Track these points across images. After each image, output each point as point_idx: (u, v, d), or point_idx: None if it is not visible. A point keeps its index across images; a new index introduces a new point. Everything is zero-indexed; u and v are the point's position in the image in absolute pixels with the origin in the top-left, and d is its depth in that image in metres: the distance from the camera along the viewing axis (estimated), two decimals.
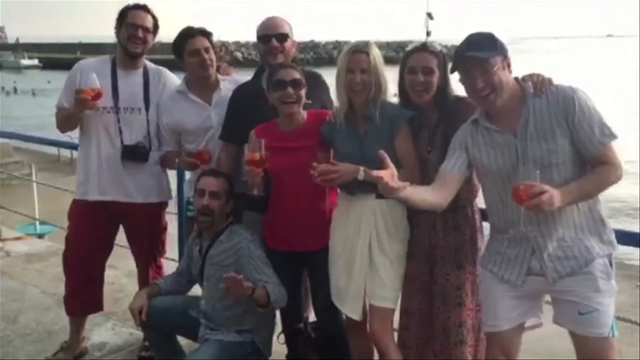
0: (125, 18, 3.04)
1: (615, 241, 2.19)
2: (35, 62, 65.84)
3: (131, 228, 3.23)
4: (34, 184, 6.50)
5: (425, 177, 2.42)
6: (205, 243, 2.81)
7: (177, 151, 3.10)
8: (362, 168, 2.23)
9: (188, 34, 2.97)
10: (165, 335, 2.89)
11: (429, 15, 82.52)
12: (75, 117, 3.02)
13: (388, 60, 2.65)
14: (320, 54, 60.97)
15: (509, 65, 2.15)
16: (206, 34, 3.00)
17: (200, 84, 3.04)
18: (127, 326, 3.62)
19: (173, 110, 3.05)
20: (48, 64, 63.64)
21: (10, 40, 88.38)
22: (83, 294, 3.21)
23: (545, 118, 2.09)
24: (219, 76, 3.07)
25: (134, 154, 3.03)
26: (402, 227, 2.54)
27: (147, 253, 3.29)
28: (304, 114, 2.68)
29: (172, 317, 2.83)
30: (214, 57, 2.98)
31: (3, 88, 11.99)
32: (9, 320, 3.74)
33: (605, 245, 2.16)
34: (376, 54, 2.47)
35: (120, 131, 3.03)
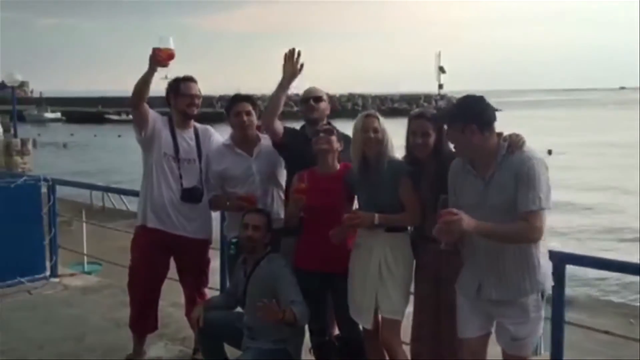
0: (179, 89, 3.79)
1: (547, 282, 2.74)
2: (59, 115, 67.83)
3: (182, 260, 3.92)
4: (84, 227, 7.28)
5: (425, 214, 3.12)
6: (249, 268, 3.51)
7: (224, 195, 3.82)
8: (376, 215, 3.04)
9: (235, 99, 3.75)
10: (215, 343, 3.56)
11: (441, 69, 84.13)
12: (150, 77, 3.51)
13: (402, 112, 3.40)
14: (335, 106, 62.54)
15: (479, 128, 2.64)
16: (250, 100, 3.76)
17: (243, 139, 3.75)
18: (176, 344, 4.28)
19: (220, 160, 3.76)
20: (71, 118, 65.72)
21: (34, 94, 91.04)
22: (145, 316, 3.92)
23: (506, 174, 2.62)
24: (259, 134, 3.82)
25: (191, 196, 3.76)
26: (407, 254, 3.22)
27: (194, 282, 3.96)
28: (337, 163, 3.42)
29: (222, 328, 3.50)
30: (254, 119, 3.72)
31: (34, 140, 12.82)
32: (78, 340, 4.42)
33: (535, 285, 2.70)
34: (382, 120, 3.22)
35: (181, 176, 3.77)
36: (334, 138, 3.37)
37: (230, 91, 4.05)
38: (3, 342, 4.34)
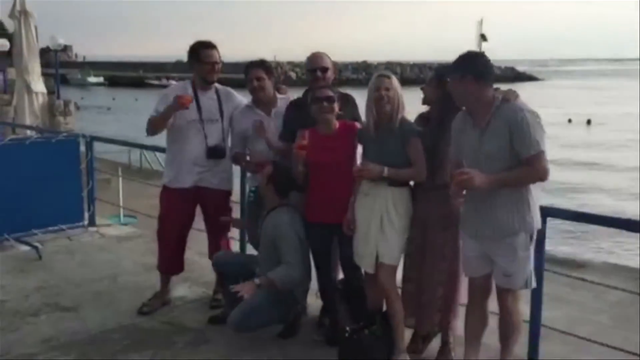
0: (199, 55, 4.08)
1: (534, 223, 3.02)
2: (101, 79, 69.20)
3: (208, 208, 4.30)
4: (120, 182, 7.77)
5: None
6: (264, 217, 3.86)
7: (244, 153, 4.17)
8: (385, 168, 3.32)
9: (249, 65, 4.05)
10: (232, 281, 3.93)
11: (483, 37, 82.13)
12: (169, 116, 3.98)
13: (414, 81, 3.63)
14: (372, 73, 61.91)
15: (475, 79, 2.94)
16: (262, 66, 4.04)
17: (260, 101, 4.07)
18: (199, 287, 4.68)
19: (242, 120, 4.11)
20: (113, 82, 67.03)
21: (78, 59, 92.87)
22: (172, 258, 4.33)
23: (500, 123, 2.94)
24: (277, 94, 4.13)
25: (215, 153, 4.13)
26: (407, 207, 3.48)
27: (218, 229, 4.35)
28: (336, 122, 3.70)
29: (239, 269, 3.90)
30: (265, 83, 4.00)
31: (76, 104, 13.38)
32: (111, 280, 4.87)
33: (523, 225, 2.99)
34: (395, 80, 3.45)
35: (205, 136, 4.13)
36: (335, 105, 3.63)
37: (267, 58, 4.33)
38: (45, 280, 4.82)
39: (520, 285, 3.09)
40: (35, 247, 5.41)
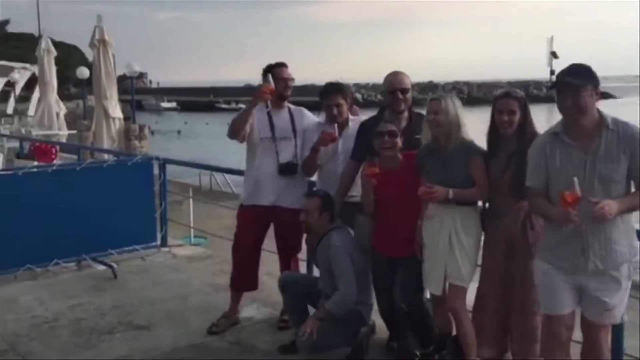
0: (273, 73, 4.14)
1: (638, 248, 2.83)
2: (174, 104, 71.73)
3: (280, 227, 4.34)
4: (191, 203, 7.98)
5: (497, 191, 3.30)
6: (315, 243, 3.91)
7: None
8: (450, 190, 3.26)
9: (328, 92, 4.08)
10: (298, 303, 3.94)
11: (554, 55, 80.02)
12: (250, 112, 4.07)
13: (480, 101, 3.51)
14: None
15: (597, 95, 2.75)
16: (339, 91, 4.08)
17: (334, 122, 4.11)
18: (267, 307, 4.70)
19: (314, 136, 4.11)
20: (185, 107, 69.28)
21: (152, 85, 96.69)
22: (245, 275, 4.39)
23: (614, 145, 2.73)
24: (350, 116, 4.15)
25: (287, 170, 4.18)
26: (475, 226, 3.40)
27: (290, 248, 4.37)
28: (399, 156, 3.64)
29: (305, 287, 3.95)
30: (343, 109, 4.04)
31: (150, 128, 14.00)
32: (182, 299, 4.96)
33: (632, 251, 2.81)
34: (449, 102, 3.37)
35: (277, 154, 4.18)
36: (398, 140, 3.59)
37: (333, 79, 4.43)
38: (119, 299, 4.97)
39: (618, 319, 2.89)
40: (111, 267, 5.60)
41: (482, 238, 3.45)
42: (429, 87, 70.13)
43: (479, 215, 3.41)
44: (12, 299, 4.94)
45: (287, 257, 4.43)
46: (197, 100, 72.52)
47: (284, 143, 4.23)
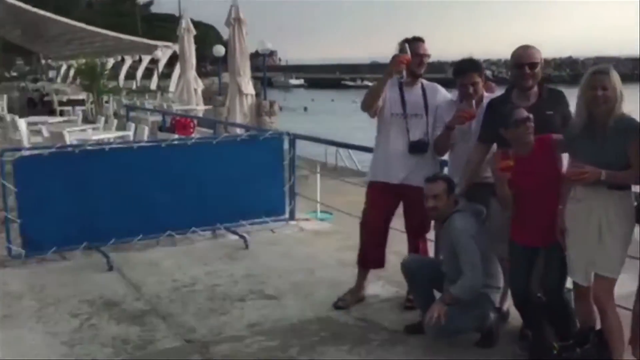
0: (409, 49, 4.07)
1: None
2: (301, 81, 73.35)
3: (410, 205, 4.27)
4: (318, 179, 8.12)
5: None
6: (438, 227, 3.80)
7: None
8: (603, 171, 2.97)
9: (463, 69, 3.90)
10: (423, 285, 3.87)
11: None
12: (384, 82, 4.02)
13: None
14: (578, 70, 57.57)
15: None
16: (476, 69, 3.91)
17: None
18: (392, 286, 4.66)
19: (447, 114, 4.00)
20: (312, 84, 70.60)
21: (281, 63, 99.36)
22: (373, 253, 4.37)
23: None
24: (485, 93, 3.96)
25: (417, 148, 4.09)
26: (629, 213, 3.10)
27: (418, 227, 4.29)
28: (532, 140, 3.41)
29: (428, 269, 3.88)
30: (479, 87, 3.87)
31: (278, 105, 14.40)
32: (309, 272, 5.06)
33: None
34: (615, 75, 3.08)
35: (407, 131, 4.11)
36: (532, 125, 3.36)
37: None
38: (251, 268, 5.17)
39: None
40: (243, 237, 5.83)
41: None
42: (568, 63, 65.94)
43: (633, 199, 3.11)
44: (155, 262, 5.31)
45: (415, 236, 4.36)
46: (324, 78, 73.50)
47: (415, 120, 4.14)
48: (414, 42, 4.08)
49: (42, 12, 19.61)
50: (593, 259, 3.14)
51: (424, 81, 4.25)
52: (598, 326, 3.27)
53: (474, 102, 3.85)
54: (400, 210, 4.40)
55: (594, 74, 3.10)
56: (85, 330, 3.97)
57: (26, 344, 3.79)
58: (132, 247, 5.57)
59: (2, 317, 4.17)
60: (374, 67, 67.68)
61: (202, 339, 3.85)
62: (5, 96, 17.56)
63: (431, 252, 4.66)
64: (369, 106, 4.15)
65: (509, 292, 3.88)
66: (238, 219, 6.09)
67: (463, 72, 3.90)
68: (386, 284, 4.71)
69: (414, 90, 4.18)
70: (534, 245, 3.47)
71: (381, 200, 4.27)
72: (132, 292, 4.64)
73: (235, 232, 5.98)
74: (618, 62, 64.12)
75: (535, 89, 3.64)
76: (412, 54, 4.00)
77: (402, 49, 3.90)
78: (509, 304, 3.99)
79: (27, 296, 4.54)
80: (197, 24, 16.27)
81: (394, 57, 3.91)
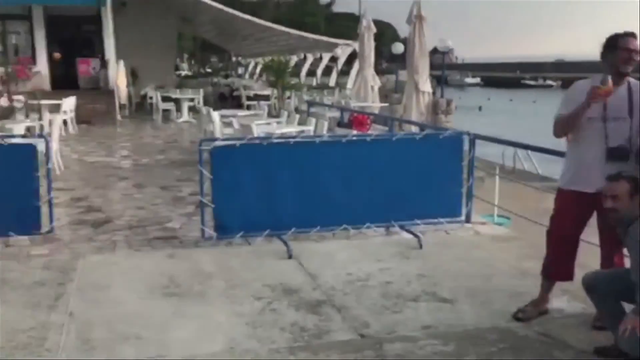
0: (617, 42, 3.76)
1: None
2: (478, 80, 71.21)
3: (603, 215, 3.88)
4: (497, 181, 7.80)
5: None
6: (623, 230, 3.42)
7: None
8: None
9: (623, 34, 3.67)
10: (610, 301, 3.51)
11: None
12: (582, 113, 3.78)
13: None
14: None
15: None
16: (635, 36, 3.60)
17: None
18: (579, 302, 4.29)
19: None
20: (488, 82, 68.19)
21: (457, 61, 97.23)
22: (560, 264, 4.09)
23: None
24: None
25: (617, 155, 3.75)
26: None
27: (614, 241, 3.89)
28: None
29: (609, 283, 3.53)
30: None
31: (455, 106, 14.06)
32: (486, 279, 4.85)
33: None
34: None
35: (606, 136, 3.77)
36: None
37: None
38: (423, 268, 5.09)
39: None
40: (417, 236, 5.77)
41: None
42: None
43: None
44: (330, 254, 5.46)
45: (610, 250, 3.99)
46: (501, 76, 70.61)
47: (615, 124, 3.79)
48: (624, 37, 3.75)
49: (238, 13, 21.17)
50: None
51: (632, 80, 3.86)
52: None
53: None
54: (592, 221, 4.05)
55: None
56: (267, 313, 4.20)
57: (214, 321, 4.10)
58: (309, 237, 5.78)
59: (196, 294, 4.56)
60: (559, 66, 63.50)
61: (376, 335, 3.87)
62: (201, 90, 19.21)
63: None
64: (562, 135, 3.98)
65: None
66: (412, 218, 6.03)
67: (622, 36, 3.67)
68: (572, 300, 4.37)
69: (618, 90, 3.81)
70: None
71: (573, 208, 3.97)
72: (310, 281, 4.81)
73: (409, 231, 5.94)
74: None
75: None
76: (619, 49, 3.71)
77: (603, 81, 3.64)
78: None
79: (216, 276, 4.91)
80: (375, 22, 16.44)
81: (593, 89, 3.67)
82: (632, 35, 3.77)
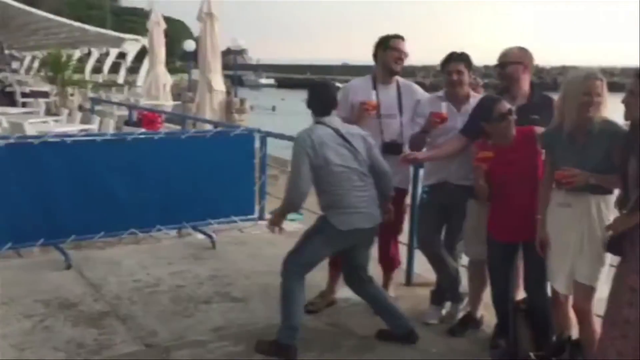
0: (388, 42, 4.00)
1: None
2: (272, 81, 73.02)
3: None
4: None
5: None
6: None
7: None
8: (591, 175, 2.88)
9: (449, 57, 3.85)
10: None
11: None
12: (356, 124, 3.89)
13: (623, 88, 3.00)
14: (544, 79, 58.44)
15: None
16: (464, 59, 3.83)
17: (453, 95, 3.88)
18: None
19: (428, 109, 3.91)
20: (282, 84, 70.31)
21: (252, 61, 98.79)
22: None
23: None
24: (471, 92, 3.88)
25: (391, 149, 3.97)
26: (610, 218, 2.98)
27: (390, 229, 4.16)
28: (513, 134, 3.38)
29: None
30: (464, 78, 3.80)
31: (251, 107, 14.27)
32: (278, 275, 4.68)
33: None
34: (605, 80, 3.00)
35: (381, 132, 3.97)
36: (514, 118, 3.35)
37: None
38: (217, 269, 4.98)
39: None
40: (210, 237, 5.64)
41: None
42: (534, 72, 66.97)
43: (614, 204, 3.03)
44: (116, 261, 5.08)
45: (387, 241, 4.25)
46: (294, 78, 73.23)
47: (388, 121, 4.04)
48: (394, 39, 4.00)
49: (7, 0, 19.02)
50: (575, 266, 3.06)
51: (400, 79, 4.14)
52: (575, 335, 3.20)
53: (444, 105, 3.80)
54: None
55: (589, 78, 2.99)
56: (38, 332, 3.74)
57: None
58: (93, 245, 5.33)
59: None
60: (345, 69, 67.80)
61: (163, 344, 3.65)
62: None
63: (402, 254, 4.58)
64: None
65: (480, 297, 3.83)
66: (205, 218, 5.87)
67: (450, 60, 3.85)
68: None
69: (389, 90, 4.07)
70: (513, 240, 3.42)
71: None
72: (91, 292, 4.42)
73: (202, 231, 5.78)
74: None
75: (526, 90, 3.63)
76: (390, 49, 3.96)
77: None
78: (481, 311, 3.91)
79: None
80: (167, 19, 15.93)
81: (361, 104, 3.89)
82: (400, 37, 4.05)
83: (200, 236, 5.74)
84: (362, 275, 3.70)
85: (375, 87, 4.06)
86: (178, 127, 11.16)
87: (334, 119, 3.56)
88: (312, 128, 3.54)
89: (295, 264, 3.56)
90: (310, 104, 3.60)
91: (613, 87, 3.23)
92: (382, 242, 4.26)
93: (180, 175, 5.75)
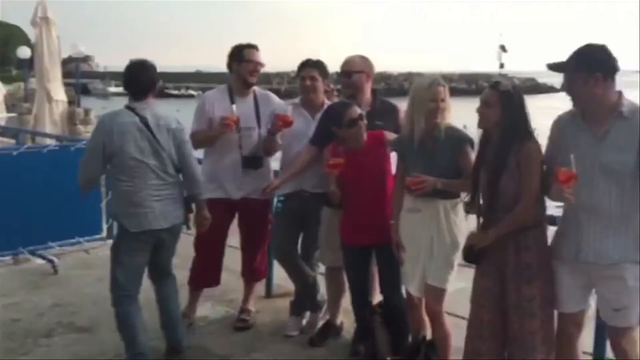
0: (242, 54, 3.89)
1: None
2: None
3: (245, 219, 4.06)
4: None
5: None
6: None
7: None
8: (439, 180, 2.97)
9: (304, 64, 3.84)
10: None
11: (502, 48, 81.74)
12: (216, 138, 3.83)
13: (461, 92, 3.19)
14: (391, 84, 61.64)
15: (598, 80, 2.56)
16: (317, 66, 3.83)
17: (308, 102, 3.85)
18: (222, 306, 4.39)
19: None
20: None
21: (99, 69, 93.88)
22: (209, 271, 4.09)
23: (625, 133, 2.56)
24: (326, 100, 3.88)
25: (251, 164, 3.89)
26: (459, 222, 3.13)
27: (255, 240, 4.09)
28: (364, 138, 3.42)
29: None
30: (318, 84, 3.80)
31: (97, 117, 13.48)
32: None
33: (636, 250, 2.58)
34: (447, 86, 3.13)
35: (240, 146, 3.86)
36: (365, 123, 3.39)
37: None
38: (60, 297, 4.56)
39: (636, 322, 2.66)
40: (51, 261, 5.18)
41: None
42: (382, 78, 70.53)
43: (462, 208, 3.16)
44: None
45: (252, 252, 4.15)
46: None
47: (247, 134, 3.92)
48: (248, 49, 3.91)
49: None
50: (426, 269, 3.15)
51: (257, 90, 4.05)
52: (429, 336, 3.30)
53: (291, 107, 3.83)
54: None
55: (434, 85, 3.07)
56: None
57: None
58: None
59: None
60: (199, 76, 66.75)
61: None
62: None
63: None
64: (200, 148, 3.95)
65: (339, 303, 3.85)
66: (45, 241, 5.39)
67: (304, 66, 3.84)
68: (216, 304, 4.43)
69: (246, 102, 3.96)
70: (365, 244, 3.44)
71: (216, 216, 3.87)
72: None
73: (41, 256, 5.28)
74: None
75: (369, 98, 3.69)
76: (245, 61, 3.88)
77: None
78: (341, 317, 3.93)
79: None
80: (0, 23, 14.56)
81: (222, 119, 3.76)
82: (254, 47, 3.93)
83: (40, 261, 5.24)
84: (164, 273, 3.60)
85: (232, 100, 3.93)
86: (12, 142, 10.23)
87: (146, 106, 3.33)
88: (118, 112, 3.32)
89: (117, 289, 3.36)
90: (126, 85, 3.37)
91: (453, 92, 3.38)
92: (245, 253, 4.15)
93: (14, 195, 5.23)
